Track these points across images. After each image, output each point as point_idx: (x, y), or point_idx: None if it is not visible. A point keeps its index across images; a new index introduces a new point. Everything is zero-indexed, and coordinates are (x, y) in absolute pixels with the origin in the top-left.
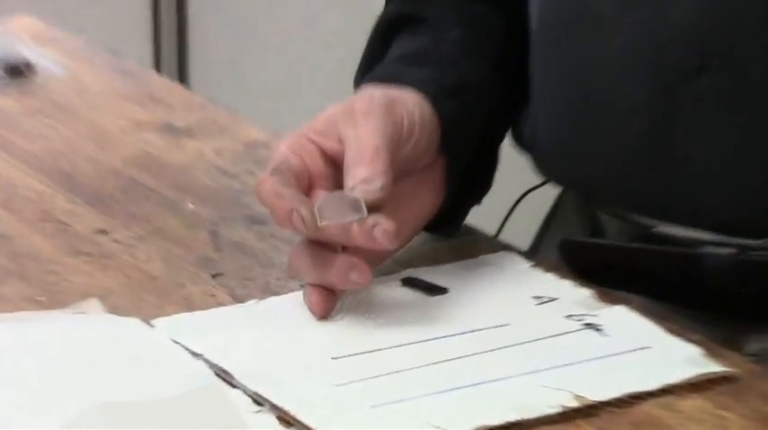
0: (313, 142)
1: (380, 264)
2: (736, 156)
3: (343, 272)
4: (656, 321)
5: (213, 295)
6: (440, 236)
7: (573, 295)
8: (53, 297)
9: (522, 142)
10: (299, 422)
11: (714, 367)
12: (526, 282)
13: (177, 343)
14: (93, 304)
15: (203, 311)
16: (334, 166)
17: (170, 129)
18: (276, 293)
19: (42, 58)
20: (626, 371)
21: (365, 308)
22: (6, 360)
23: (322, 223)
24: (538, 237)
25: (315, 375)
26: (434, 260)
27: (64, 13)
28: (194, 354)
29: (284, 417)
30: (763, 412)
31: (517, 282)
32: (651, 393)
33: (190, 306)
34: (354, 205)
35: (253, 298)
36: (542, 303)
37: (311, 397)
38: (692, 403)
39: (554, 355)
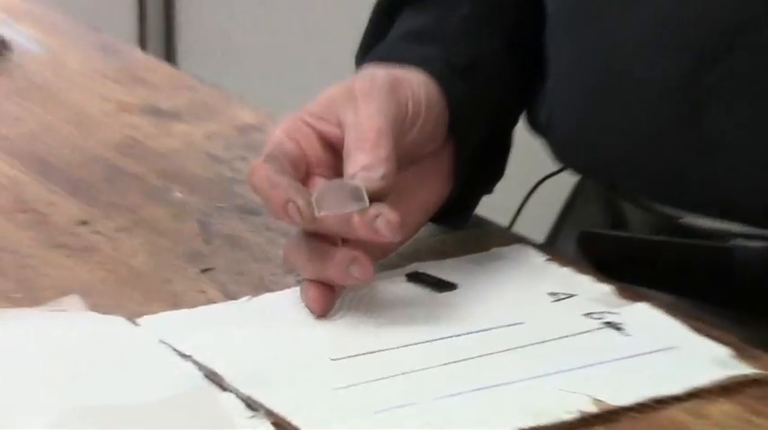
0: (310, 126)
1: (383, 258)
2: None
3: (342, 266)
4: (681, 319)
5: (203, 291)
6: (448, 227)
7: (592, 291)
8: (29, 293)
9: (537, 126)
10: (295, 428)
11: (744, 369)
12: (541, 277)
13: (164, 343)
14: (73, 301)
15: (192, 309)
16: (334, 152)
17: (156, 112)
18: (271, 290)
19: (18, 34)
20: (649, 373)
21: (367, 305)
22: None
23: (320, 214)
24: (554, 228)
25: (313, 378)
26: (442, 253)
27: None
28: (182, 355)
29: (280, 423)
30: None
31: (531, 278)
32: (676, 397)
33: (177, 303)
34: (355, 194)
35: (245, 294)
36: (559, 300)
37: (309, 401)
38: (721, 408)
39: (571, 356)
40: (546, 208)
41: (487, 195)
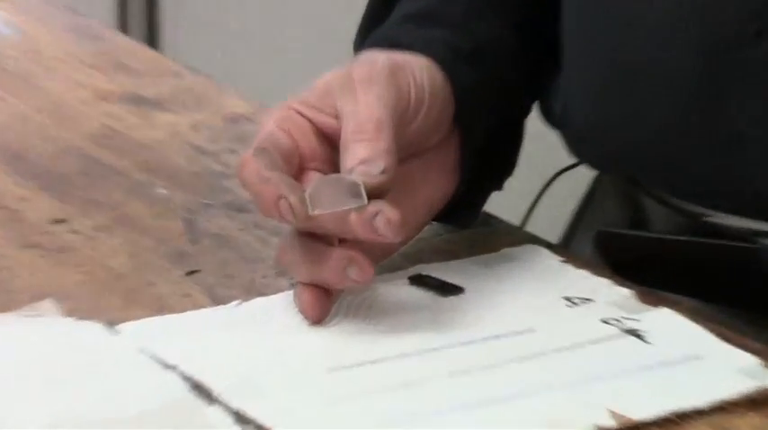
0: (304, 116)
1: (384, 259)
2: None
3: (339, 268)
4: (706, 326)
5: (188, 295)
6: (454, 226)
7: (610, 295)
8: (1, 297)
9: (551, 117)
10: None
11: None
12: (555, 280)
13: (146, 351)
14: (48, 306)
15: (177, 315)
16: (330, 145)
17: (138, 100)
18: (262, 293)
19: None
20: (672, 384)
21: (366, 311)
22: None
23: (314, 212)
24: (570, 227)
25: (307, 389)
26: (448, 254)
27: None
28: (166, 365)
29: None
30: None
31: (544, 281)
32: (701, 411)
33: (161, 308)
34: (352, 190)
35: (234, 298)
36: (574, 305)
37: (303, 415)
38: (750, 422)
39: (587, 366)
40: (561, 205)
41: (497, 191)
